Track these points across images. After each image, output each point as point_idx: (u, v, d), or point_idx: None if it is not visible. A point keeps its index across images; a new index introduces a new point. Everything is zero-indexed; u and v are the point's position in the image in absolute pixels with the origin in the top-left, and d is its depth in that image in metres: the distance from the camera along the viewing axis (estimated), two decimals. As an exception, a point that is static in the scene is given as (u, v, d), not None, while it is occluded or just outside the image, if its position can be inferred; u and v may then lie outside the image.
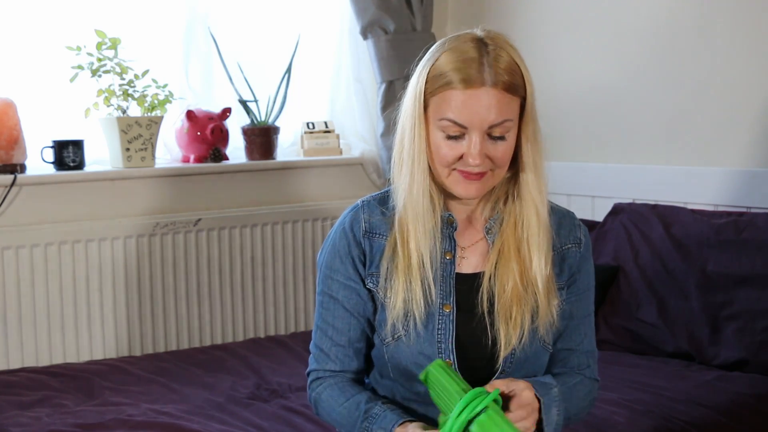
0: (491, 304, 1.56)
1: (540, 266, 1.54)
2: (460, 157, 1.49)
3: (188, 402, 2.32)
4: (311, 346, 1.66)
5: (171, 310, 2.98)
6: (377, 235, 1.59)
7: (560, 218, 1.62)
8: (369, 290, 1.59)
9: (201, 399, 2.35)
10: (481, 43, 1.49)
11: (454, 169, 1.51)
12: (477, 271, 1.59)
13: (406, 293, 1.53)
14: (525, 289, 1.54)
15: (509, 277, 1.55)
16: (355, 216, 1.60)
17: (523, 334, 1.54)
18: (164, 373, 2.58)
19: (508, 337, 1.54)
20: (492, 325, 1.55)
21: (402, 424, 1.51)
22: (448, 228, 1.58)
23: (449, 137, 1.50)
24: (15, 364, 2.70)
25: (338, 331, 1.61)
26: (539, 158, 1.55)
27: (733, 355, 2.47)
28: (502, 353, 1.54)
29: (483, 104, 1.47)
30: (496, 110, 1.47)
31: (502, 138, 1.50)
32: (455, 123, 1.48)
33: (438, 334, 1.55)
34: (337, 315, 1.60)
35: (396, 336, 1.55)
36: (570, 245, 1.61)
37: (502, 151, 1.50)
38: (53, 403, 2.31)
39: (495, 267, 1.56)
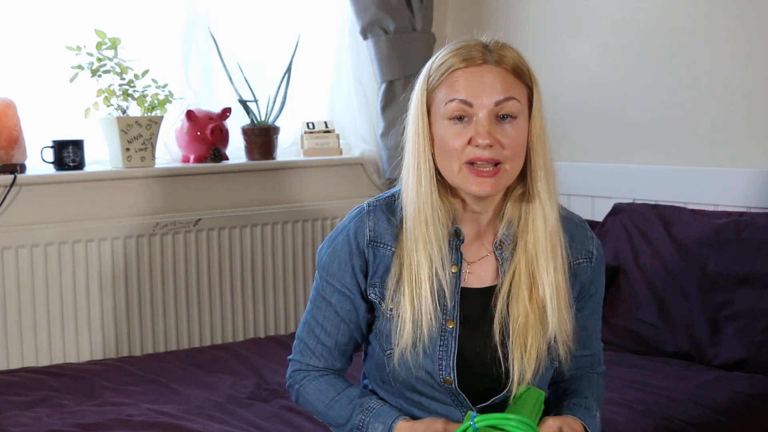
0: (504, 326, 1.52)
1: (551, 290, 1.49)
2: (469, 144, 1.44)
3: (188, 402, 2.32)
4: (297, 336, 1.65)
5: (171, 310, 2.98)
6: (382, 245, 1.54)
7: (572, 229, 1.58)
8: (370, 300, 1.57)
9: (201, 399, 2.35)
10: (483, 43, 1.49)
11: (465, 165, 1.45)
12: (484, 286, 1.55)
13: (414, 307, 1.49)
14: (538, 316, 1.50)
15: (521, 303, 1.50)
16: (361, 223, 1.56)
17: (540, 365, 1.51)
18: (164, 373, 2.58)
19: (522, 370, 1.50)
20: (505, 357, 1.51)
21: (404, 419, 1.51)
22: (455, 240, 1.53)
23: (456, 121, 1.45)
24: (15, 364, 2.70)
25: (326, 332, 1.60)
26: (552, 179, 1.51)
27: (733, 355, 2.47)
28: (515, 387, 1.51)
29: (487, 79, 1.44)
30: (501, 85, 1.44)
31: (510, 119, 1.45)
32: (460, 101, 1.44)
33: (440, 351, 1.52)
34: (327, 317, 1.59)
35: (399, 349, 1.51)
36: (581, 260, 1.58)
37: (512, 136, 1.45)
38: (53, 403, 2.31)
39: (509, 289, 1.52)
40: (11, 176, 2.68)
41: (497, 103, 1.44)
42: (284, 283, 3.22)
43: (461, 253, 1.54)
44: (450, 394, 1.54)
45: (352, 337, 1.61)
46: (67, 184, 2.82)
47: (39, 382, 2.47)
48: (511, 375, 1.51)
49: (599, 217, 3.05)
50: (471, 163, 1.45)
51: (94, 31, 2.84)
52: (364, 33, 3.39)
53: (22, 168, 2.75)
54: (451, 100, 1.45)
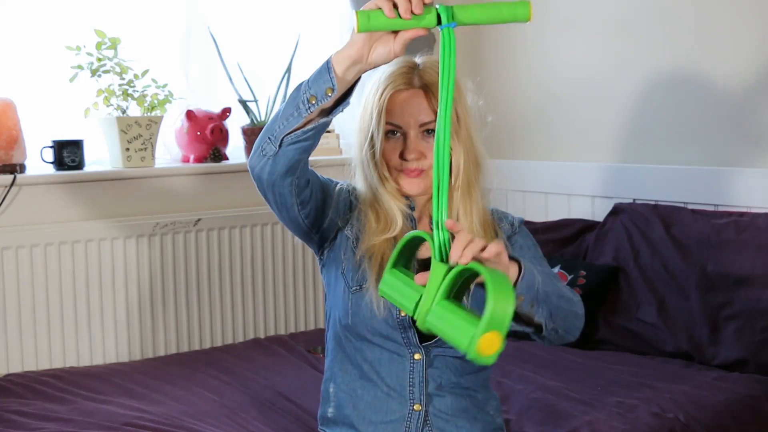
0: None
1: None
2: (401, 154, 1.68)
3: (190, 404, 2.32)
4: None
5: (171, 310, 2.98)
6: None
7: (498, 216, 1.79)
8: (346, 236, 1.74)
9: (202, 401, 2.35)
10: (414, 65, 1.72)
11: (399, 168, 1.68)
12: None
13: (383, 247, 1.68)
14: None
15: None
16: (349, 184, 1.83)
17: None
18: (166, 375, 2.58)
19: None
20: None
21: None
22: (409, 210, 1.74)
23: (390, 135, 1.69)
24: (14, 366, 2.70)
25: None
26: (478, 177, 1.69)
27: (732, 355, 2.47)
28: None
29: (414, 105, 1.68)
30: (426, 110, 1.67)
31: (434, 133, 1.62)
32: (392, 124, 1.69)
33: None
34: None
35: (368, 284, 1.68)
36: (510, 233, 1.78)
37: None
38: (53, 407, 2.31)
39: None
40: (11, 176, 2.68)
41: (422, 125, 1.68)
42: (284, 283, 3.23)
43: (415, 219, 1.75)
44: (402, 329, 1.69)
45: (316, 182, 1.77)
46: (66, 184, 2.82)
47: (40, 384, 2.48)
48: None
49: (599, 217, 3.05)
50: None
51: (94, 31, 2.84)
52: (364, 33, 3.38)
53: (22, 168, 2.75)
54: (387, 123, 1.69)
